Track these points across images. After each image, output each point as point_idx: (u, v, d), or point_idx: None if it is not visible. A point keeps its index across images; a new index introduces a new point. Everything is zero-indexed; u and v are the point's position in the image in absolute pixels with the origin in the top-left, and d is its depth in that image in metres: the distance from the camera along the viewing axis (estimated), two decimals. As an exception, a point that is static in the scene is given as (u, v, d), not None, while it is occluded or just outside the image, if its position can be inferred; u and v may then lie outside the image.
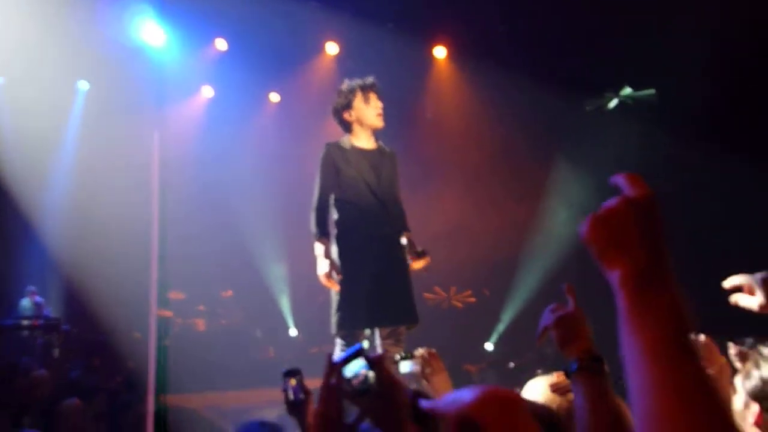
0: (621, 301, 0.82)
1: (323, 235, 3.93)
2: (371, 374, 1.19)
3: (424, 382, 2.51)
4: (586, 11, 8.10)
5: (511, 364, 8.56)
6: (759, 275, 1.74)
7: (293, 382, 1.63)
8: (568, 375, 1.53)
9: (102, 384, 6.77)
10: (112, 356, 7.89)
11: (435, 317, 9.82)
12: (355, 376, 1.19)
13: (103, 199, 8.77)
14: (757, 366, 1.72)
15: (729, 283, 1.75)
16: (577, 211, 9.54)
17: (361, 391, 1.18)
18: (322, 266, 3.85)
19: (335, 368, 1.21)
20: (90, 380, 6.68)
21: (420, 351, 2.54)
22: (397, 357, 2.66)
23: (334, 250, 4.01)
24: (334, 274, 3.82)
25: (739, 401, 1.77)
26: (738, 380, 1.79)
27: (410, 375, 2.61)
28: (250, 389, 7.52)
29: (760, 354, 1.70)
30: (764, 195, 7.87)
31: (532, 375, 2.34)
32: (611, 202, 0.88)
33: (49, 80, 8.62)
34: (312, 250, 3.95)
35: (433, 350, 2.54)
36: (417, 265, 4.02)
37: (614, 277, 0.84)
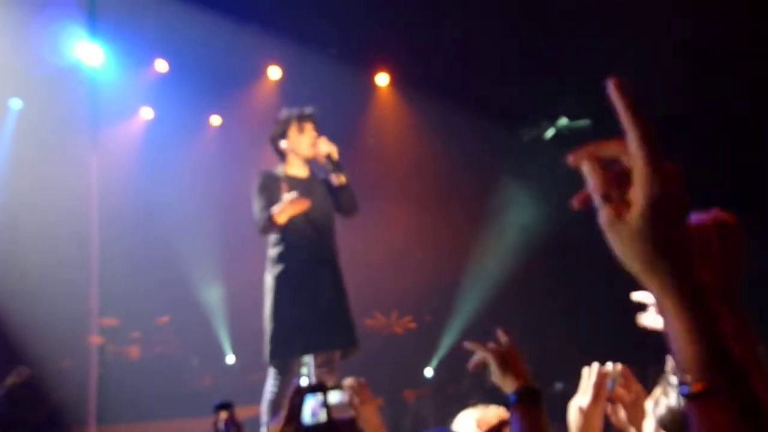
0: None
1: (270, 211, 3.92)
2: (323, 413, 1.31)
3: (352, 412, 2.49)
4: (525, 41, 8.33)
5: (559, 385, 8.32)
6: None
7: (223, 415, 1.59)
8: (507, 406, 1.58)
9: (25, 416, 6.47)
10: (37, 387, 7.56)
11: (375, 343, 9.78)
12: (313, 411, 1.30)
13: (33, 223, 8.46)
14: (666, 394, 1.72)
15: (636, 297, 1.69)
16: (518, 238, 9.71)
17: (311, 425, 1.30)
18: (287, 198, 3.81)
19: (300, 393, 1.32)
20: (11, 414, 6.38)
21: (349, 381, 2.53)
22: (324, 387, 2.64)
23: (269, 277, 3.98)
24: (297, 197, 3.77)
25: (649, 427, 1.79)
26: (648, 405, 1.79)
27: (339, 405, 2.59)
28: (183, 419, 7.31)
29: (669, 382, 1.71)
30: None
31: (469, 400, 2.35)
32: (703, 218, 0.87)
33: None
34: (251, 273, 3.90)
35: (362, 380, 2.54)
36: (339, 179, 4.02)
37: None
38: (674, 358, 0.74)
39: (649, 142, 0.73)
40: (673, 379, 1.71)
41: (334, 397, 2.55)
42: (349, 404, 2.49)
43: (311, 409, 1.28)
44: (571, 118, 9.98)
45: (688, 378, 0.72)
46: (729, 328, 0.76)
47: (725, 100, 7.92)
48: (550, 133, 10.17)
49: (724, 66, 7.60)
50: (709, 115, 8.09)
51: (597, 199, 0.77)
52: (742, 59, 7.52)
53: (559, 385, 7.91)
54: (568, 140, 10.03)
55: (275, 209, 3.80)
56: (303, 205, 3.79)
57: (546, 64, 8.48)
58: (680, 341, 0.72)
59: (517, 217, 9.78)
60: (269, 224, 3.85)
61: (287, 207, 3.76)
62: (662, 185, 0.73)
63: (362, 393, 2.50)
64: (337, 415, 1.50)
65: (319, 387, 1.34)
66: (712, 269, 0.84)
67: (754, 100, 7.78)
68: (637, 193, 0.74)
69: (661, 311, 0.74)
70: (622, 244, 0.76)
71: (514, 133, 9.97)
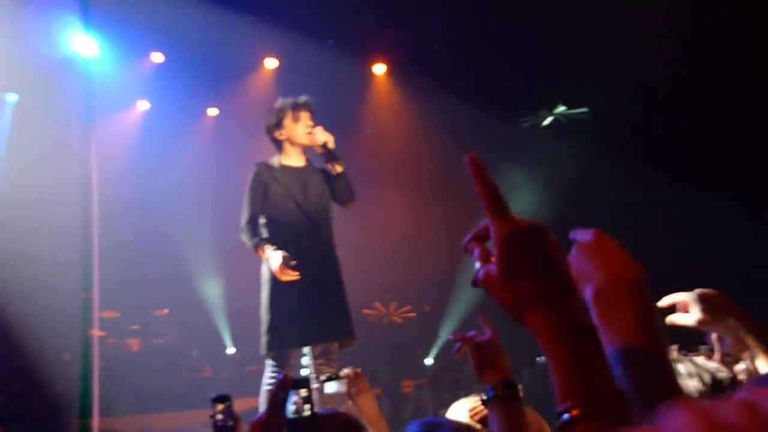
0: (596, 317, 0.92)
1: (261, 240, 3.91)
2: (307, 407, 1.31)
3: (349, 402, 2.50)
4: (522, 30, 8.30)
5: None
6: (694, 292, 1.77)
7: (220, 407, 1.59)
8: (484, 402, 1.58)
9: (25, 410, 6.48)
10: (37, 380, 7.57)
11: (374, 333, 9.81)
12: (295, 403, 1.30)
13: (32, 216, 8.45)
14: None
15: (664, 302, 1.77)
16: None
17: (293, 419, 1.30)
18: (275, 260, 3.77)
19: (284, 386, 1.30)
20: (11, 408, 6.39)
21: (345, 371, 2.56)
22: (323, 378, 2.67)
23: (265, 268, 3.96)
24: (289, 262, 3.75)
25: None
26: None
27: (335, 395, 2.62)
28: (184, 410, 7.34)
29: (674, 370, 1.71)
30: (693, 213, 8.19)
31: (470, 390, 2.36)
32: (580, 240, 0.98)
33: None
34: (249, 264, 3.89)
35: (359, 370, 2.56)
36: (335, 168, 4.03)
37: (588, 291, 0.93)
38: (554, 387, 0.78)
39: (489, 200, 0.85)
40: (681, 368, 1.73)
41: (331, 386, 2.56)
42: (346, 394, 2.51)
43: (295, 404, 1.30)
44: (569, 105, 9.98)
45: (564, 406, 0.76)
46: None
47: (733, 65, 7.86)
48: (547, 121, 10.17)
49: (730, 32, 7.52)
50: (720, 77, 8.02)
51: (478, 267, 0.85)
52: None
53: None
54: (565, 128, 10.03)
55: (266, 254, 3.80)
56: (291, 276, 3.75)
57: (543, 51, 8.46)
58: (555, 371, 0.78)
59: (515, 205, 9.78)
60: (253, 245, 3.86)
61: (281, 270, 3.73)
62: (503, 235, 0.82)
63: (359, 383, 2.51)
64: (321, 409, 1.52)
65: (304, 382, 1.35)
66: (597, 280, 0.93)
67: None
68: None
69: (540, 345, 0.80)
70: (495, 296, 0.83)
71: (511, 121, 9.97)
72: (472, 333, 1.79)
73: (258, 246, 3.88)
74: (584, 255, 0.96)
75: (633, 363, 0.88)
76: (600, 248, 0.96)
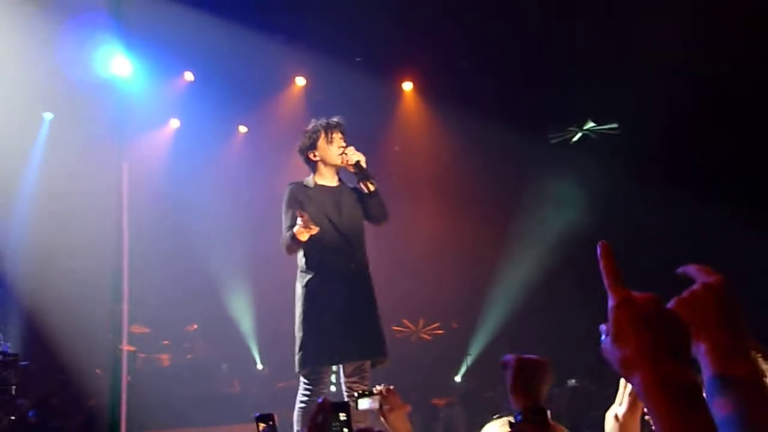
0: (705, 372, 0.97)
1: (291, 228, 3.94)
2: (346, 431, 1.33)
3: (382, 419, 2.51)
4: (550, 46, 8.29)
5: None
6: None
7: (262, 426, 1.62)
8: (512, 426, 1.57)
9: (61, 424, 6.56)
10: (72, 394, 7.67)
11: (403, 351, 9.77)
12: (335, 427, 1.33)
13: (65, 232, 8.61)
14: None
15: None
16: (544, 242, 9.65)
17: None
18: (299, 224, 3.80)
19: (324, 409, 1.31)
20: (47, 421, 6.48)
21: (378, 388, 2.54)
22: (356, 394, 2.67)
23: (299, 286, 3.99)
24: (308, 223, 3.76)
25: None
26: None
27: (368, 412, 2.62)
28: (214, 426, 7.37)
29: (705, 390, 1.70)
30: (719, 231, 8.08)
31: (501, 410, 2.35)
32: (693, 287, 1.02)
33: (12, 112, 8.48)
34: (278, 281, 3.90)
35: (392, 387, 2.55)
36: (368, 187, 4.05)
37: (700, 350, 0.98)
38: None
39: (610, 278, 0.94)
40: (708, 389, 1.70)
41: (364, 403, 2.57)
42: (379, 410, 2.51)
43: (334, 428, 1.31)
44: (599, 121, 9.91)
45: None
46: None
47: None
48: (577, 137, 10.10)
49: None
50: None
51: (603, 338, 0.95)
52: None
53: (571, 382, 7.90)
54: (595, 144, 9.96)
55: (294, 230, 3.80)
56: (312, 231, 3.75)
57: (572, 67, 8.43)
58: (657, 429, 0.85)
59: (544, 222, 9.72)
60: (292, 244, 3.86)
61: (301, 230, 3.75)
62: (614, 305, 0.92)
63: (392, 399, 2.50)
64: (356, 426, 1.53)
65: (343, 406, 1.35)
66: (711, 330, 0.97)
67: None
68: None
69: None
70: (607, 358, 0.93)
71: (540, 138, 9.93)
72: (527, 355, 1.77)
73: (291, 236, 3.86)
74: (702, 304, 1.01)
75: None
76: (716, 301, 1.01)
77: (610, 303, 0.93)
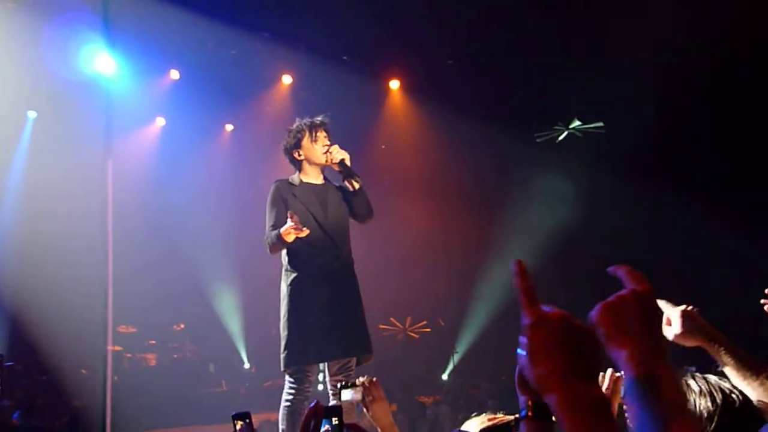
0: (627, 376, 0.99)
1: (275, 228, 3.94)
2: None
3: (364, 410, 2.55)
4: (536, 45, 8.33)
5: None
6: (679, 308, 1.82)
7: (240, 424, 1.63)
8: (517, 420, 1.58)
9: (46, 425, 6.52)
10: (57, 395, 7.62)
11: (390, 349, 9.79)
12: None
13: (49, 231, 8.55)
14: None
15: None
16: (530, 240, 9.70)
17: None
18: (288, 225, 3.79)
19: (316, 415, 1.32)
20: (33, 421, 6.43)
21: (361, 379, 2.59)
22: (339, 385, 2.71)
23: (284, 285, 3.99)
24: (298, 225, 3.76)
25: None
26: None
27: (351, 403, 2.66)
28: (200, 425, 7.35)
29: (688, 387, 1.74)
30: (702, 227, 8.16)
31: (485, 408, 2.36)
32: (622, 293, 1.03)
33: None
34: (265, 279, 3.89)
35: (375, 379, 2.59)
36: (353, 185, 4.05)
37: (621, 356, 1.00)
38: None
39: (526, 295, 0.99)
40: (694, 385, 1.74)
41: (347, 394, 2.60)
42: (362, 401, 2.54)
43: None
44: (584, 120, 9.97)
45: None
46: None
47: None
48: (563, 135, 10.15)
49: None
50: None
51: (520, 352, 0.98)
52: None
53: None
54: (580, 142, 10.02)
55: (282, 230, 3.80)
56: (302, 233, 3.76)
57: (558, 66, 8.47)
58: None
59: (530, 219, 9.77)
60: (277, 243, 3.86)
61: (290, 231, 3.75)
62: (529, 325, 0.96)
63: (375, 391, 2.54)
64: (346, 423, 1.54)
65: (335, 410, 1.36)
66: (635, 336, 0.99)
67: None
68: None
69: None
70: (527, 376, 0.97)
71: (526, 136, 9.97)
72: None
73: (277, 235, 3.86)
74: (619, 312, 1.02)
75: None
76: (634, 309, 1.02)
77: (525, 322, 0.97)
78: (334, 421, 1.31)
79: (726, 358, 1.75)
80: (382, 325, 10.28)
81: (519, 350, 0.98)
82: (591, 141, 9.84)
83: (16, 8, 7.34)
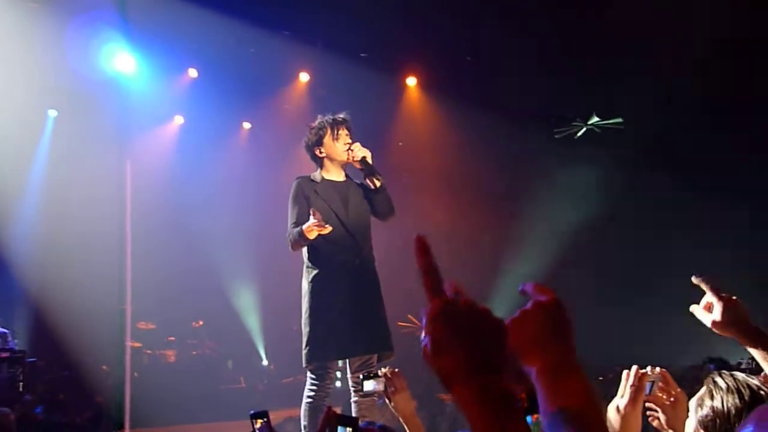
0: (539, 389, 0.95)
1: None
2: None
3: (387, 401, 2.58)
4: (555, 41, 8.27)
5: None
6: (722, 295, 1.78)
7: (259, 423, 1.64)
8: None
9: (68, 420, 6.58)
10: (79, 390, 7.70)
11: (410, 345, 9.78)
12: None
13: (70, 229, 8.63)
14: (711, 396, 1.74)
15: (702, 302, 1.78)
16: (551, 235, 9.65)
17: None
18: (311, 222, 3.78)
19: (332, 421, 1.34)
20: (55, 416, 6.50)
21: (383, 370, 2.61)
22: (361, 376, 2.73)
23: (305, 282, 3.99)
24: (317, 218, 3.76)
25: (690, 426, 1.80)
26: (692, 404, 1.80)
27: (373, 393, 2.68)
28: (219, 422, 7.38)
29: (715, 384, 1.72)
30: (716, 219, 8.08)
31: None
32: (525, 307, 1.01)
33: (17, 109, 8.50)
34: (283, 277, 3.89)
35: (396, 370, 2.61)
36: (374, 182, 4.03)
37: (532, 373, 0.97)
38: None
39: (428, 278, 0.94)
40: (721, 382, 1.72)
41: (369, 385, 2.62)
42: (384, 392, 2.56)
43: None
44: (603, 116, 9.89)
45: None
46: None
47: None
48: (581, 131, 10.07)
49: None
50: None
51: (423, 338, 0.92)
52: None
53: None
54: (599, 138, 9.94)
55: (304, 227, 3.79)
56: (324, 230, 3.76)
57: (576, 62, 8.41)
58: None
59: (550, 214, 9.72)
60: (299, 240, 3.86)
61: (312, 228, 3.75)
62: (432, 315, 0.91)
63: (397, 382, 2.56)
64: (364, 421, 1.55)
65: (351, 420, 1.35)
66: (545, 349, 0.97)
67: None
68: None
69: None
70: (429, 367, 0.91)
71: (544, 132, 9.91)
72: None
73: (299, 232, 3.86)
74: (532, 324, 0.99)
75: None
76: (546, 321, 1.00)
77: (428, 311, 0.91)
78: (349, 431, 1.30)
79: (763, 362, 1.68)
80: (400, 322, 10.27)
81: (421, 338, 0.91)
82: (612, 136, 9.76)
83: (38, 8, 7.41)
